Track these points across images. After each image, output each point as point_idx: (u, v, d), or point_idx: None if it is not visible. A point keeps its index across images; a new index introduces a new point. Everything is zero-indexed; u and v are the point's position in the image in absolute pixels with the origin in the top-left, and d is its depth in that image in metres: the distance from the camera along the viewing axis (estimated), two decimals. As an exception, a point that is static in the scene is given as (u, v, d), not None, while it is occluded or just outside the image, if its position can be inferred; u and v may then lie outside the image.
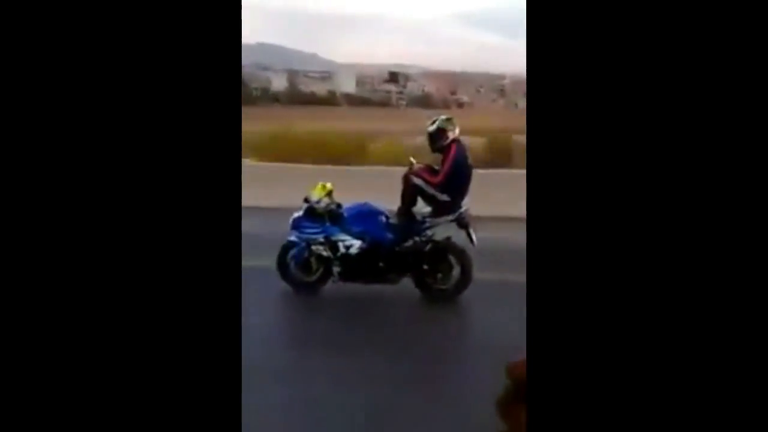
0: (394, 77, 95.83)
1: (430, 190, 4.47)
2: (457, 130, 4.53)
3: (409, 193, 4.58)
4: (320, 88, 77.43)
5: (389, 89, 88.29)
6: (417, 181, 4.50)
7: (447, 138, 4.49)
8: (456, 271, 4.53)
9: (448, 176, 4.40)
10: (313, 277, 4.69)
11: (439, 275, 4.57)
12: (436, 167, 4.62)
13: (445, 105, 64.22)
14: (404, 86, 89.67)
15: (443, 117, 4.63)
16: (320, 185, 4.68)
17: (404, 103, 79.55)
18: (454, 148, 4.46)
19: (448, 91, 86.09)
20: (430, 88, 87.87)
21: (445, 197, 4.46)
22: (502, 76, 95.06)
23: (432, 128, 4.54)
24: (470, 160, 4.57)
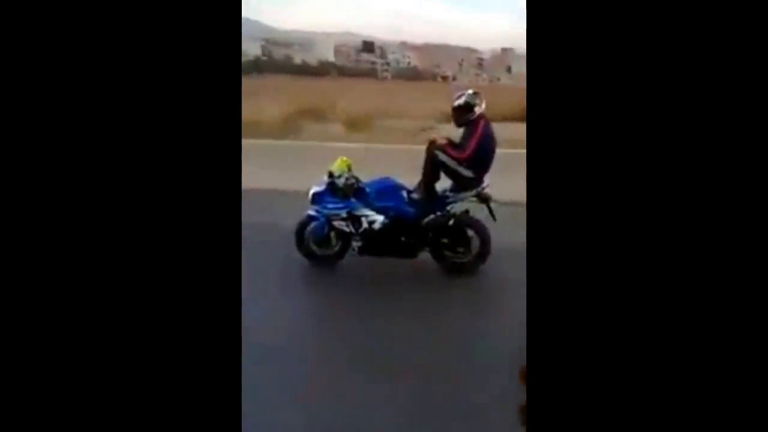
0: (369, 47, 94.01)
1: (456, 166, 4.44)
2: (483, 105, 4.49)
3: (433, 168, 4.54)
4: (307, 58, 76.06)
5: (374, 60, 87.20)
6: (443, 157, 4.46)
7: (474, 113, 4.46)
8: (475, 245, 4.58)
9: (475, 151, 4.36)
10: (332, 251, 4.68)
11: (460, 249, 4.61)
12: (456, 141, 4.58)
13: (432, 78, 63.71)
14: (382, 57, 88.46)
15: (470, 91, 4.58)
16: (340, 159, 4.62)
17: (388, 75, 78.78)
18: (481, 123, 4.43)
19: (431, 64, 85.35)
20: (414, 60, 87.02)
21: (469, 173, 4.45)
22: (477, 50, 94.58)
23: (459, 102, 4.49)
24: (495, 136, 4.53)
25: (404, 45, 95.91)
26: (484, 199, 4.57)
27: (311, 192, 4.59)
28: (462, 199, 4.57)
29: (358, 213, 4.52)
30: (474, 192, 4.53)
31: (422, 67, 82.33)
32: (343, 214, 4.52)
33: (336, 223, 4.56)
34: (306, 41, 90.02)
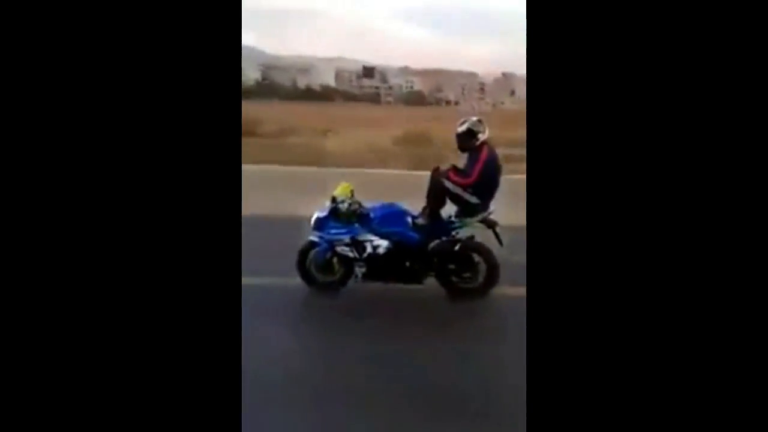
0: (369, 72, 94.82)
1: (461, 193, 4.40)
2: (487, 132, 4.48)
3: (438, 194, 4.50)
4: (310, 83, 76.79)
5: (377, 85, 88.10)
6: (448, 184, 4.43)
7: (477, 139, 4.45)
8: (482, 270, 4.49)
9: (479, 177, 4.33)
10: (335, 278, 4.59)
11: (467, 275, 4.53)
12: (460, 167, 4.55)
13: (437, 103, 64.34)
14: (383, 82, 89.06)
15: (473, 118, 4.58)
16: (343, 185, 4.57)
17: (391, 100, 79.45)
18: (485, 149, 4.42)
19: (434, 88, 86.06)
20: (417, 85, 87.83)
21: (475, 199, 4.40)
22: (477, 75, 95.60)
23: (462, 129, 4.49)
24: (500, 162, 4.50)
25: (405, 70, 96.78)
26: (491, 225, 4.51)
27: (313, 217, 4.53)
28: (467, 225, 4.51)
29: (362, 238, 4.45)
30: (480, 217, 4.48)
31: (426, 92, 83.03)
32: (347, 239, 4.45)
33: (339, 249, 4.48)
34: (307, 66, 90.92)
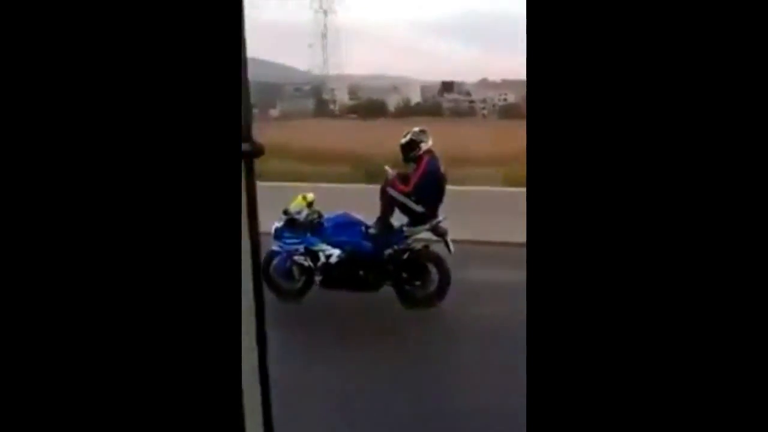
0: (448, 87, 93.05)
1: (405, 201, 4.53)
2: (430, 142, 4.58)
3: (386, 203, 4.62)
4: (397, 100, 77.01)
5: (472, 99, 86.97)
6: (391, 192, 4.58)
7: (420, 149, 4.55)
8: (434, 278, 4.55)
9: (418, 185, 4.45)
10: (297, 285, 4.81)
11: (418, 282, 4.61)
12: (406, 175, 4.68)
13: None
14: (468, 95, 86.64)
15: (416, 129, 4.72)
16: (301, 196, 4.81)
17: (485, 112, 77.99)
18: (425, 159, 4.54)
19: (521, 99, 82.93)
20: (511, 97, 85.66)
21: (419, 208, 4.50)
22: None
23: (405, 140, 4.63)
24: (443, 171, 4.57)
25: (483, 82, 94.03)
26: (440, 234, 4.56)
27: (273, 227, 4.80)
28: (416, 233, 4.59)
29: (315, 248, 4.66)
30: (428, 226, 4.54)
31: (519, 104, 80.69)
32: (301, 249, 4.68)
33: (296, 258, 4.72)
34: (398, 84, 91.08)
